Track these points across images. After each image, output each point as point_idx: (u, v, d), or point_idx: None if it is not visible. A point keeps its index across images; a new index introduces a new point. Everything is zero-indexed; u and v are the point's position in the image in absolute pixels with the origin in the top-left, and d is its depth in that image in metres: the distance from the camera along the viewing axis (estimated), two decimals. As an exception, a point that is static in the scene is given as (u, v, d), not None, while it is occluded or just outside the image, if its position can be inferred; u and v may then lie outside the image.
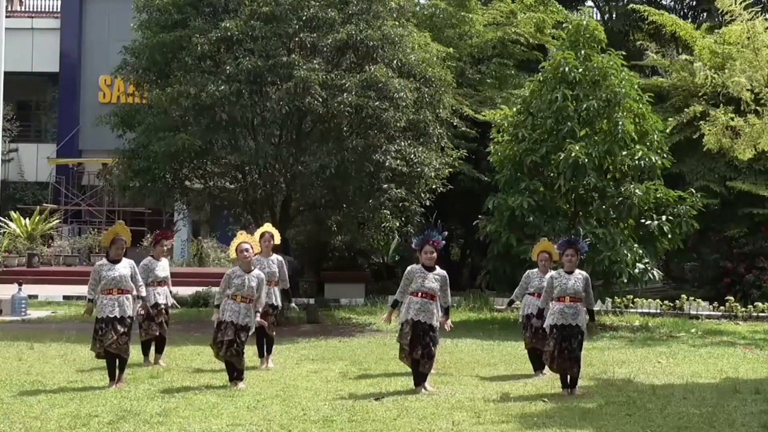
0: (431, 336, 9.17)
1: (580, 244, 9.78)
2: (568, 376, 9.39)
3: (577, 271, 9.47)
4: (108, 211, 29.74)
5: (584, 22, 16.64)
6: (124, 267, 9.46)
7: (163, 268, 11.15)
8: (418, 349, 9.13)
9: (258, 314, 9.56)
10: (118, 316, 9.27)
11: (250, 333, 9.47)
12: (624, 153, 15.59)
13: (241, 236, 9.65)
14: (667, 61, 21.87)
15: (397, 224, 17.75)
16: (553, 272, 9.84)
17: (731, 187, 19.60)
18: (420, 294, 9.17)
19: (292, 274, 12.43)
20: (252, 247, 9.52)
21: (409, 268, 9.49)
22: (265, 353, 10.83)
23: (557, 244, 9.83)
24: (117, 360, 9.37)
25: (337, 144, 15.52)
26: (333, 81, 14.89)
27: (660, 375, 10.73)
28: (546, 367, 10.13)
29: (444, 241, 9.65)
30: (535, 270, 10.93)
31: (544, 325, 9.53)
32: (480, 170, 20.74)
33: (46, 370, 10.31)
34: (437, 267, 9.35)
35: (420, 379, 9.27)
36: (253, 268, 9.48)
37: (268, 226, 11.08)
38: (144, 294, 9.86)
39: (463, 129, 19.76)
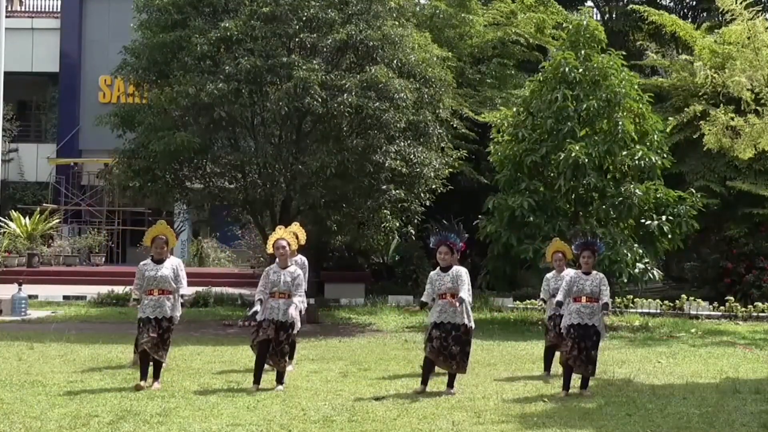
0: (454, 335, 9.16)
1: (598, 245, 9.77)
2: (580, 377, 9.39)
3: (594, 272, 9.47)
4: (108, 211, 29.74)
5: (584, 23, 16.65)
6: (166, 267, 9.38)
7: None
8: (435, 350, 9.15)
9: (299, 312, 9.42)
10: (159, 317, 9.30)
11: (293, 331, 9.37)
12: (624, 153, 15.60)
13: (280, 231, 9.62)
14: (667, 61, 21.88)
15: (397, 224, 17.74)
16: (571, 272, 9.80)
17: (731, 187, 19.61)
18: (441, 296, 9.25)
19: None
20: (289, 244, 9.46)
21: (430, 274, 9.53)
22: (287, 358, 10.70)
23: (574, 245, 9.80)
24: (153, 360, 9.37)
25: (336, 144, 15.51)
26: (333, 81, 14.89)
27: (660, 375, 10.73)
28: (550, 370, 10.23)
29: (464, 244, 9.62)
30: (551, 273, 10.87)
31: (561, 326, 9.52)
32: (480, 171, 20.73)
33: (46, 370, 10.31)
34: (454, 266, 9.31)
35: (449, 379, 9.36)
36: (289, 264, 9.45)
37: (295, 226, 10.91)
38: (186, 293, 9.71)
39: (463, 131, 19.74)
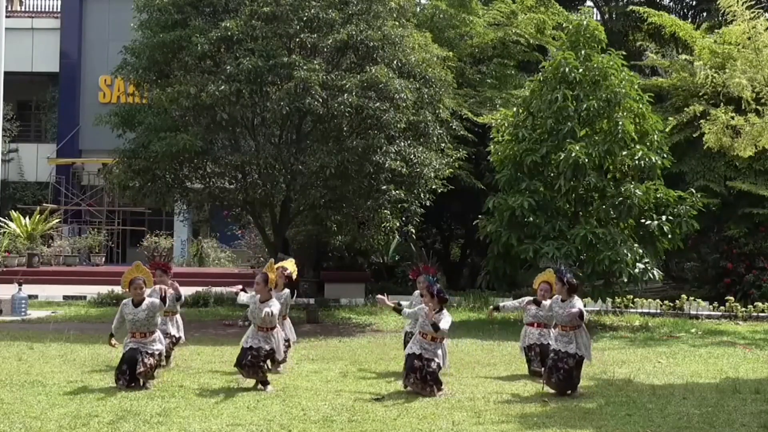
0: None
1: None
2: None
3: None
4: (108, 211, 29.76)
5: (584, 23, 16.63)
6: (142, 310, 9.36)
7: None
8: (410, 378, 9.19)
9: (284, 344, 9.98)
10: (142, 350, 9.28)
11: (275, 356, 9.57)
12: (624, 153, 15.59)
13: (272, 268, 9.77)
14: (667, 61, 21.87)
15: (397, 224, 17.73)
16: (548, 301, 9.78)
17: (731, 187, 19.60)
18: (422, 334, 9.37)
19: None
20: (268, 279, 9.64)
21: (417, 304, 9.84)
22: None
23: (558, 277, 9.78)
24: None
25: (337, 144, 15.51)
26: (333, 81, 14.89)
27: (660, 375, 10.74)
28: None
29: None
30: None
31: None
32: (480, 171, 20.72)
33: (46, 370, 10.31)
34: None
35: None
36: (271, 295, 9.53)
37: (290, 263, 10.86)
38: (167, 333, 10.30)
39: (462, 133, 19.73)
